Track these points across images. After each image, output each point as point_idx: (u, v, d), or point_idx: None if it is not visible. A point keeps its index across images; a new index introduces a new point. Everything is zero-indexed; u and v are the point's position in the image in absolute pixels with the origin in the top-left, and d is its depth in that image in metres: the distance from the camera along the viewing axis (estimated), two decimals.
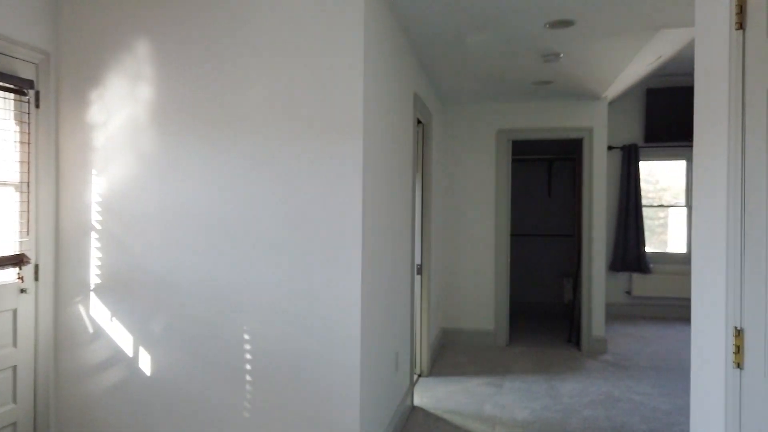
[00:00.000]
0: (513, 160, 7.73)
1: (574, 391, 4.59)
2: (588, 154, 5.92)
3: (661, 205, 7.89)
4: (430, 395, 4.49)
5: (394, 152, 3.56)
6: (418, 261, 4.79)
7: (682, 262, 7.71)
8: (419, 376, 4.94)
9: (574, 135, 5.99)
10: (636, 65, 4.79)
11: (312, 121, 2.82)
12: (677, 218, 7.84)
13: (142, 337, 3.03)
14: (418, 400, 4.37)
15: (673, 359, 5.54)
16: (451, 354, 5.73)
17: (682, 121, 7.50)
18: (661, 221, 7.95)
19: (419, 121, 4.71)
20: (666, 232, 7.96)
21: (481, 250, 6.15)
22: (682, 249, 7.80)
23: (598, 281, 5.92)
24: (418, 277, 4.87)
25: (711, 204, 1.84)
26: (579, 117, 5.96)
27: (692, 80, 7.59)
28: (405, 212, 3.93)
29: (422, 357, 4.93)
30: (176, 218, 2.98)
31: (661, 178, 7.91)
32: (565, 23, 3.57)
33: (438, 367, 5.25)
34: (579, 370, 5.18)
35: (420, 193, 4.88)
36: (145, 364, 3.03)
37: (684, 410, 4.19)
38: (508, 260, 6.11)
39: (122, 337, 3.05)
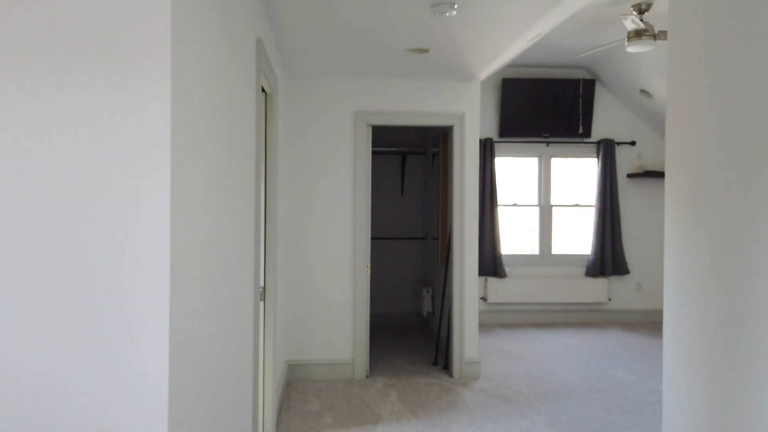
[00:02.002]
0: None
1: None
2: (459, 143, 5.02)
3: (515, 205, 7.38)
4: None
5: (230, 125, 2.19)
6: (261, 283, 3.44)
7: (536, 264, 7.27)
8: None
9: (443, 122, 5.04)
10: (516, 42, 3.93)
11: (76, 39, 1.37)
12: (531, 218, 7.39)
13: None
14: None
15: (551, 381, 4.84)
16: (300, 397, 4.43)
17: (534, 116, 7.03)
18: (515, 221, 7.45)
19: (263, 90, 3.36)
20: (519, 233, 7.47)
21: (335, 260, 4.92)
22: (534, 250, 7.36)
23: (470, 294, 5.03)
24: (260, 305, 3.50)
25: None
26: (450, 101, 5.01)
27: (546, 72, 7.19)
28: (247, 217, 2.57)
29: (266, 414, 3.57)
30: None
31: (515, 175, 7.40)
32: None
33: (286, 423, 3.92)
34: (459, 409, 4.21)
35: (263, 188, 3.52)
36: None
37: None
38: (369, 272, 4.99)
39: None
